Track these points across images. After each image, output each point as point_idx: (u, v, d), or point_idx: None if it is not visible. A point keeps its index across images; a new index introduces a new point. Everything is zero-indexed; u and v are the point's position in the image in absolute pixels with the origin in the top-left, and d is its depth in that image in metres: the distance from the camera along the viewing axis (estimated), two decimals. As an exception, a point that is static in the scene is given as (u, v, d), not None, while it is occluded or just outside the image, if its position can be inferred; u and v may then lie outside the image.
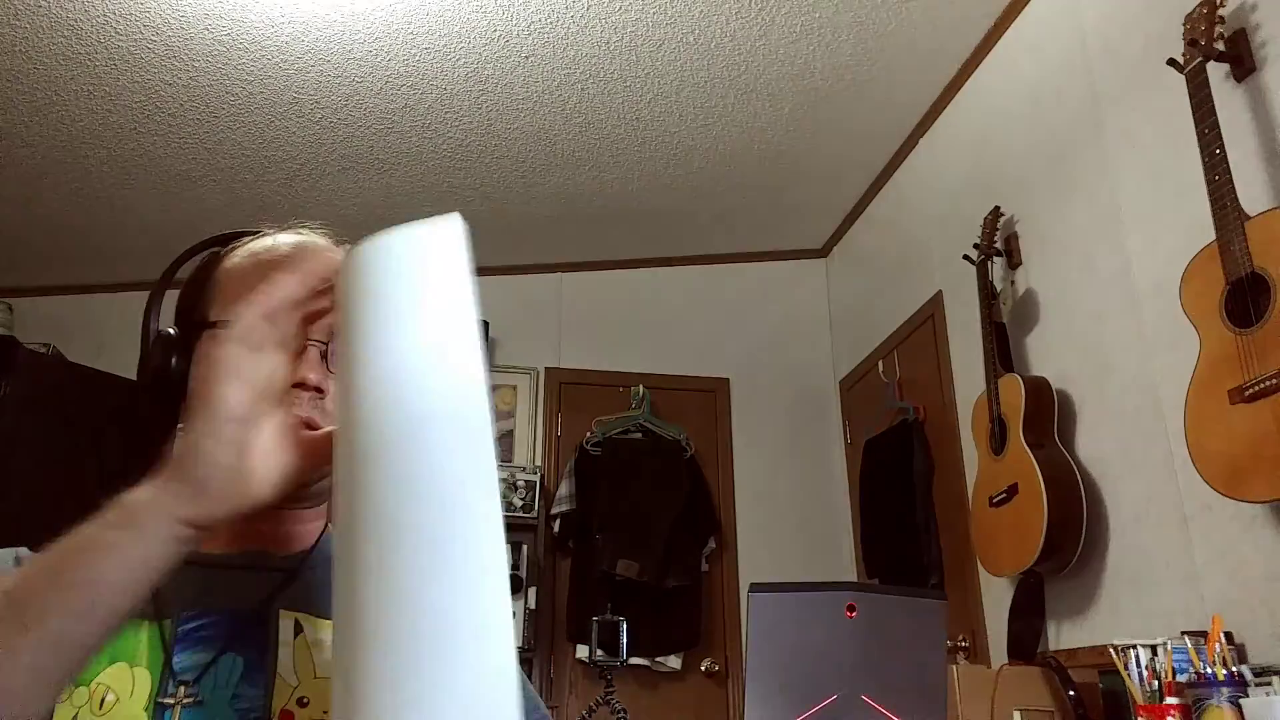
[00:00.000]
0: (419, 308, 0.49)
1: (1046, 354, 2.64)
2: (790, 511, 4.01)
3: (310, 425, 0.75)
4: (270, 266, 0.80)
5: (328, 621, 0.77)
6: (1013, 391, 2.50)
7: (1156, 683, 1.79)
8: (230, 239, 0.86)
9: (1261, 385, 1.68)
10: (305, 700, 0.73)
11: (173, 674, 0.71)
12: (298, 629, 0.76)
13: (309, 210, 3.55)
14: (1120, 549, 2.28)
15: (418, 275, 0.49)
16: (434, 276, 0.49)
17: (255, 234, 0.87)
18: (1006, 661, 2.47)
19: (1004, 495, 2.47)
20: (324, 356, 0.77)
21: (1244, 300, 1.75)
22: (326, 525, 0.88)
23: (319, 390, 0.76)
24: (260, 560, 0.80)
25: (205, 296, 0.81)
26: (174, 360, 0.77)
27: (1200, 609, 1.99)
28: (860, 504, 3.72)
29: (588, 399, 4.02)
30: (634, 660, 3.48)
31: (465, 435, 0.47)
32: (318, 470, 0.61)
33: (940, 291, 3.27)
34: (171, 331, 0.80)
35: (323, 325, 0.77)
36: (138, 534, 0.56)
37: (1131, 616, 2.22)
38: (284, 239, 0.84)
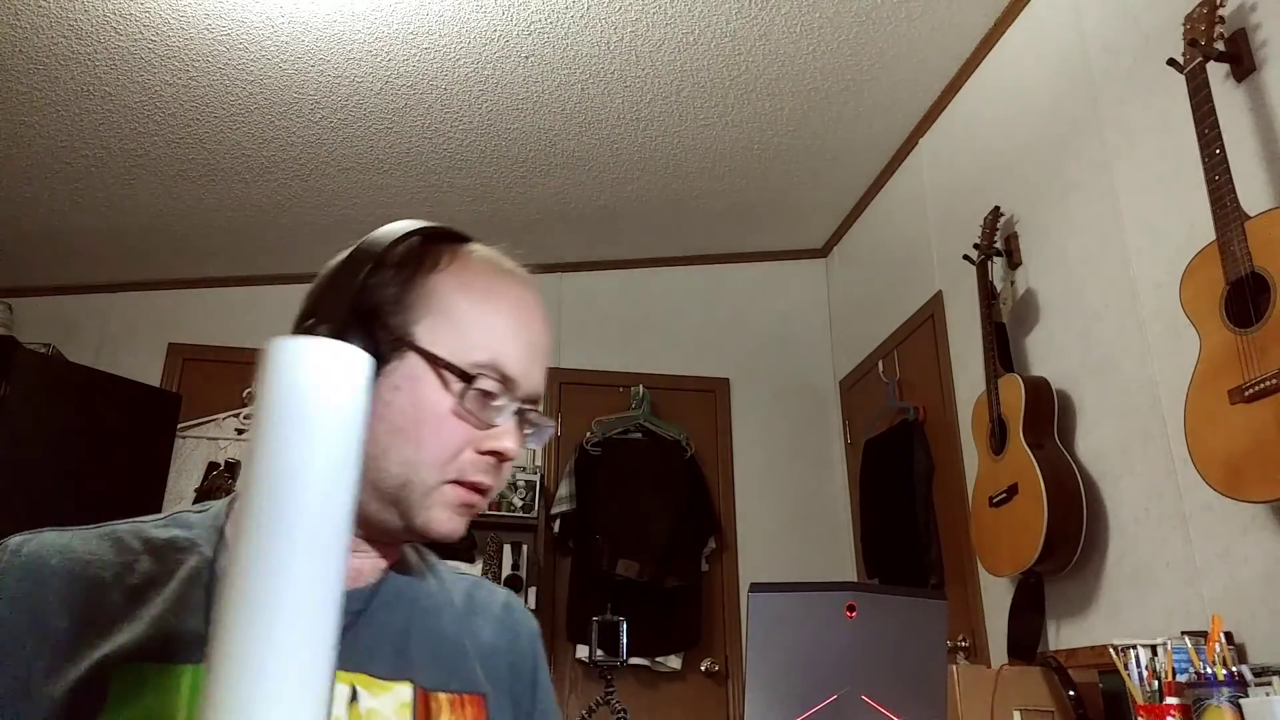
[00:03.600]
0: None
1: (1046, 354, 2.64)
2: (790, 511, 4.01)
3: (478, 488, 0.73)
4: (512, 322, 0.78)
5: (387, 684, 0.70)
6: (1013, 391, 2.50)
7: (1156, 683, 1.79)
8: (439, 235, 0.78)
9: (1261, 385, 1.69)
10: None
11: None
12: (353, 696, 0.67)
13: (309, 210, 3.57)
14: (1120, 549, 2.28)
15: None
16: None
17: (463, 238, 0.80)
18: (1006, 661, 2.47)
19: (1004, 495, 2.47)
20: (521, 417, 0.75)
21: (1244, 300, 1.75)
22: (391, 564, 0.78)
23: (505, 458, 0.74)
24: None
25: (408, 305, 0.72)
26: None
27: (1200, 609, 2.00)
28: (860, 504, 3.72)
29: (588, 399, 4.02)
30: (634, 660, 3.48)
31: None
32: None
33: (940, 291, 3.26)
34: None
35: (529, 388, 0.77)
36: None
37: (1131, 616, 2.22)
38: (506, 285, 0.80)
